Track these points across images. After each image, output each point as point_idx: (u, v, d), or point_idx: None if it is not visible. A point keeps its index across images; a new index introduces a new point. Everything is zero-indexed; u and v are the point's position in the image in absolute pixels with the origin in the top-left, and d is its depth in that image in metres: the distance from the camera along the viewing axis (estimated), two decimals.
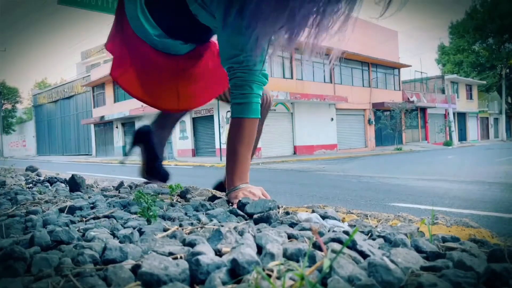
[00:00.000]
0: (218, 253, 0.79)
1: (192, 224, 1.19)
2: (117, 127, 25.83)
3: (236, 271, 0.64)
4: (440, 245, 0.88)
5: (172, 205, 1.62)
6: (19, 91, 44.20)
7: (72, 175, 2.26)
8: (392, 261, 0.68)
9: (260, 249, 0.82)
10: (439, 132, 30.91)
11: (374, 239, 0.96)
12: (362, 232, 1.04)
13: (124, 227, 1.13)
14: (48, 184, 2.58)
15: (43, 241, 0.88)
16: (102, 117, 25.45)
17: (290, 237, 0.95)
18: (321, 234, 0.97)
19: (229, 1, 1.11)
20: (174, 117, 1.83)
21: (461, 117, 35.24)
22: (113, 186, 2.52)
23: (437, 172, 8.43)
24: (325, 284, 0.59)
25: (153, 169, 1.81)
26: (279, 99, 16.90)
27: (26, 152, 40.50)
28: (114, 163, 17.54)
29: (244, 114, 1.25)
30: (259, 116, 1.28)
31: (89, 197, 1.84)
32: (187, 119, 19.90)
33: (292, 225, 1.14)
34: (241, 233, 0.94)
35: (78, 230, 1.09)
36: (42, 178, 3.02)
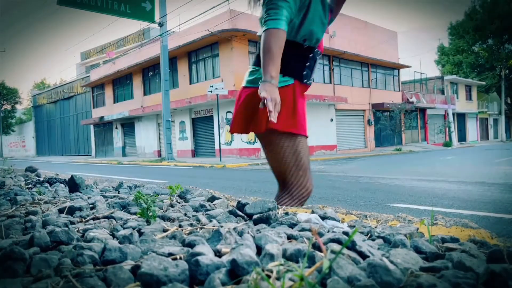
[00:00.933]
0: (218, 253, 0.79)
1: (191, 224, 1.19)
2: (116, 128, 25.81)
3: (235, 271, 0.64)
4: (439, 246, 0.88)
5: (171, 205, 1.62)
6: (19, 91, 44.15)
7: (72, 175, 2.26)
8: (391, 261, 0.68)
9: (259, 249, 0.82)
10: (439, 132, 30.91)
11: (373, 240, 0.96)
12: (362, 232, 1.04)
13: (124, 228, 1.13)
14: (48, 185, 2.58)
15: (42, 241, 0.88)
16: (102, 117, 25.44)
17: (290, 237, 0.95)
18: (320, 234, 0.97)
19: None
20: None
21: (461, 117, 35.26)
22: (112, 187, 2.52)
23: (437, 173, 8.44)
24: (325, 284, 0.59)
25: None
26: None
27: (25, 153, 40.49)
28: (114, 164, 17.55)
29: (266, 26, 1.54)
30: (278, 28, 1.53)
31: (88, 198, 1.84)
32: (186, 120, 19.91)
33: (291, 225, 1.14)
34: (240, 234, 0.94)
35: (77, 231, 1.09)
36: (41, 179, 3.02)
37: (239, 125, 1.77)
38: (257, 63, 1.76)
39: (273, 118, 1.41)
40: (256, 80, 1.68)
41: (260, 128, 1.67)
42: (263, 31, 1.57)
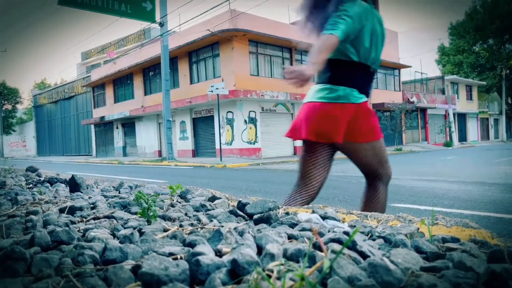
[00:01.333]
0: (218, 253, 0.79)
1: (192, 224, 1.19)
2: (117, 128, 25.82)
3: (236, 271, 0.64)
4: (440, 246, 0.88)
5: (172, 205, 1.62)
6: (20, 91, 44.19)
7: (72, 175, 2.26)
8: (392, 261, 0.68)
9: (260, 249, 0.82)
10: (439, 132, 30.88)
11: (374, 240, 0.96)
12: (362, 232, 1.04)
13: (124, 228, 1.13)
14: (48, 185, 2.58)
15: (43, 241, 0.88)
16: (102, 117, 25.45)
17: (290, 237, 0.95)
18: (321, 234, 0.97)
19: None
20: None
21: (461, 117, 35.23)
22: (113, 187, 2.52)
23: (437, 173, 8.44)
24: (325, 284, 0.59)
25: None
26: (279, 99, 16.92)
27: (26, 153, 40.52)
28: (114, 164, 17.56)
29: (324, 32, 1.81)
30: (332, 33, 1.78)
31: (89, 198, 1.84)
32: (187, 120, 19.91)
33: (292, 225, 1.14)
34: (241, 234, 0.94)
35: (78, 231, 1.09)
36: (42, 179, 3.02)
37: (314, 133, 1.95)
38: (331, 81, 1.96)
39: (288, 80, 1.67)
40: (340, 97, 1.91)
41: (364, 139, 1.96)
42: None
